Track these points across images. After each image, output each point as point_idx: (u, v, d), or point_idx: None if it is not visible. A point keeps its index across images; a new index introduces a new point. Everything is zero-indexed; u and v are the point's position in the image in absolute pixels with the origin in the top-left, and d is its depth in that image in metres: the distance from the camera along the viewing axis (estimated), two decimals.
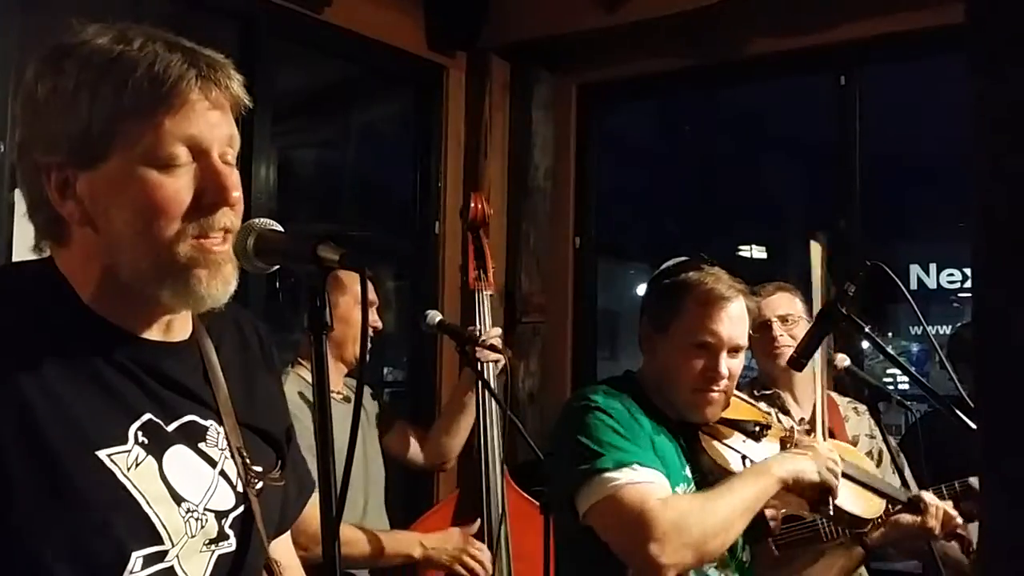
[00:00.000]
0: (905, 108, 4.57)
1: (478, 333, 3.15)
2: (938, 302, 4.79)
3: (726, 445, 2.07)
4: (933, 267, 4.64)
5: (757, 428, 2.12)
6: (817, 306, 2.29)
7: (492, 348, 3.03)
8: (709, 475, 2.04)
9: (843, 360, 2.83)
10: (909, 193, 5.24)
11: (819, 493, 2.01)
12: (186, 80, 1.16)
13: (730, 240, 5.83)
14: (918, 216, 5.31)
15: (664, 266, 2.14)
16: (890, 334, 5.55)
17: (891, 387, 3.42)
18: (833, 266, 2.32)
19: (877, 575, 3.20)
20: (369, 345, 3.03)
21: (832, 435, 2.88)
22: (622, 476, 1.84)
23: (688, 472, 2.04)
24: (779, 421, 2.23)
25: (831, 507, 2.02)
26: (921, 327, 2.48)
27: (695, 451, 2.07)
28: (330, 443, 1.09)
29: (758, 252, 6.46)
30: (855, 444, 3.03)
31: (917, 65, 4.10)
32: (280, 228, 1.19)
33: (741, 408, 2.17)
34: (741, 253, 6.46)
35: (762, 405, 2.31)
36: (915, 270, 4.70)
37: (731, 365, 2.04)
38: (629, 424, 1.94)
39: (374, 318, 3.09)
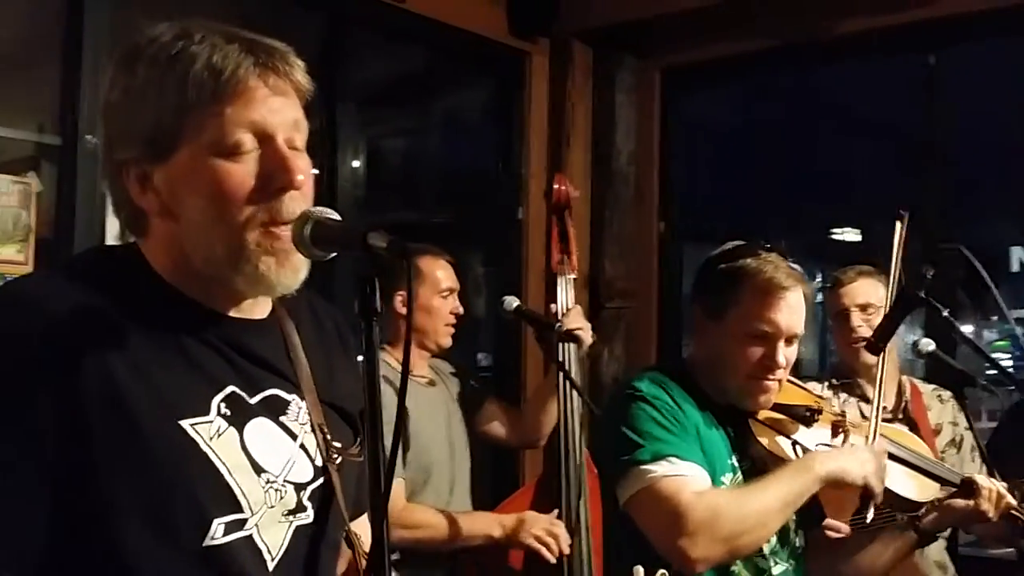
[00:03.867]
0: (997, 87, 4.41)
1: (559, 316, 3.16)
2: None
3: (776, 431, 2.05)
4: None
5: (808, 413, 2.08)
6: (892, 285, 2.26)
7: (568, 334, 3.03)
8: (758, 462, 2.02)
9: (927, 345, 2.76)
10: (1009, 174, 5.06)
11: (861, 494, 1.98)
12: (244, 68, 1.19)
13: (821, 223, 5.71)
14: (1019, 197, 5.13)
15: (718, 251, 2.10)
16: (995, 318, 5.39)
17: (992, 372, 3.31)
18: (908, 249, 2.29)
19: (969, 562, 3.13)
20: (453, 330, 3.11)
21: (913, 424, 2.83)
22: (659, 468, 1.85)
23: (735, 461, 2.02)
24: (831, 406, 2.20)
25: (871, 510, 2.00)
26: (1014, 311, 2.41)
27: (744, 438, 2.05)
28: (379, 426, 1.11)
29: (851, 235, 6.32)
30: (938, 433, 2.96)
31: (1008, 43, 3.96)
32: (337, 216, 1.21)
33: (792, 392, 2.14)
34: (833, 236, 6.33)
35: (814, 387, 2.28)
36: (1017, 252, 4.55)
37: (787, 354, 2.01)
38: (673, 414, 1.94)
39: (456, 304, 3.12)
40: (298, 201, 1.22)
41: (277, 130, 1.21)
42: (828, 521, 2.08)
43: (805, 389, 2.20)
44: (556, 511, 3.05)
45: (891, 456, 2.12)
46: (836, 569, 2.13)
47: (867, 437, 2.12)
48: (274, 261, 1.21)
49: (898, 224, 2.28)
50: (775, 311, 1.98)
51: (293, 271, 1.23)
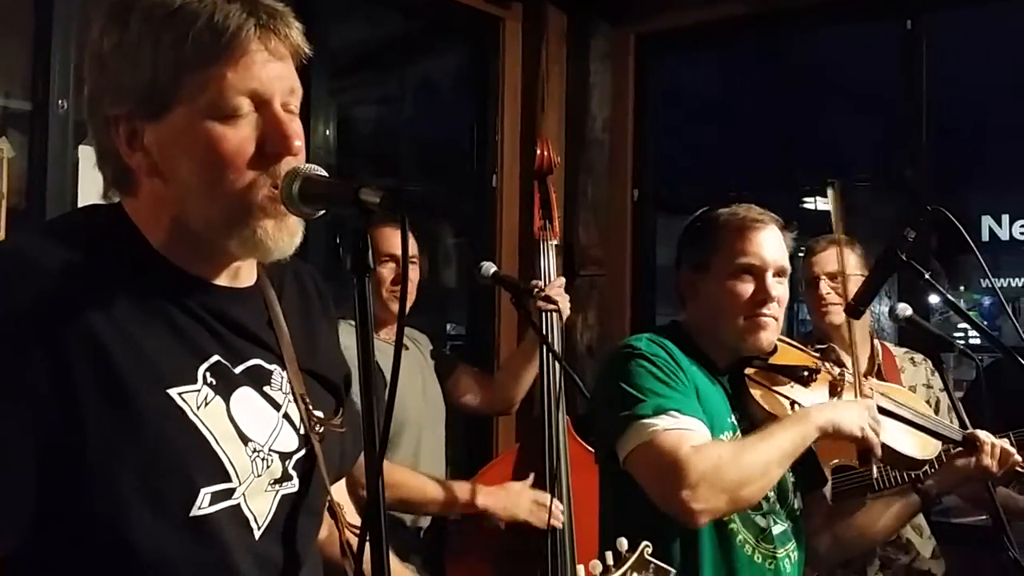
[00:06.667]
0: (975, 53, 4.42)
1: (542, 283, 3.15)
2: (1010, 254, 4.67)
3: (774, 391, 2.06)
4: (1006, 218, 4.52)
5: (806, 373, 2.09)
6: (839, 253, 2.40)
7: (546, 299, 3.02)
8: (756, 421, 2.02)
9: (905, 309, 2.77)
10: (980, 142, 5.09)
11: (860, 447, 1.99)
12: (245, 30, 1.18)
13: (794, 192, 5.71)
14: (990, 166, 5.16)
15: (693, 216, 2.16)
16: (962, 287, 5.43)
17: (962, 341, 3.33)
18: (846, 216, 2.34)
19: (943, 528, 3.16)
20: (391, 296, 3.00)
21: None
22: (660, 422, 1.85)
23: (734, 419, 2.03)
24: (829, 366, 2.19)
25: (874, 465, 2.00)
26: (991, 280, 2.42)
27: (742, 397, 2.05)
28: (373, 384, 1.10)
29: (823, 204, 6.33)
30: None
31: (986, 8, 3.96)
32: (325, 173, 1.20)
33: (789, 353, 2.15)
34: (805, 205, 6.34)
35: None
36: (987, 221, 4.58)
37: (778, 290, 2.03)
38: (671, 370, 1.94)
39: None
40: (292, 166, 1.21)
41: (275, 95, 1.21)
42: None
43: (803, 350, 2.20)
44: (532, 475, 3.06)
45: (889, 413, 2.11)
46: (837, 532, 2.14)
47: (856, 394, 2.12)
48: (272, 224, 1.21)
49: (830, 192, 2.29)
50: (755, 244, 2.03)
51: (290, 234, 1.23)
